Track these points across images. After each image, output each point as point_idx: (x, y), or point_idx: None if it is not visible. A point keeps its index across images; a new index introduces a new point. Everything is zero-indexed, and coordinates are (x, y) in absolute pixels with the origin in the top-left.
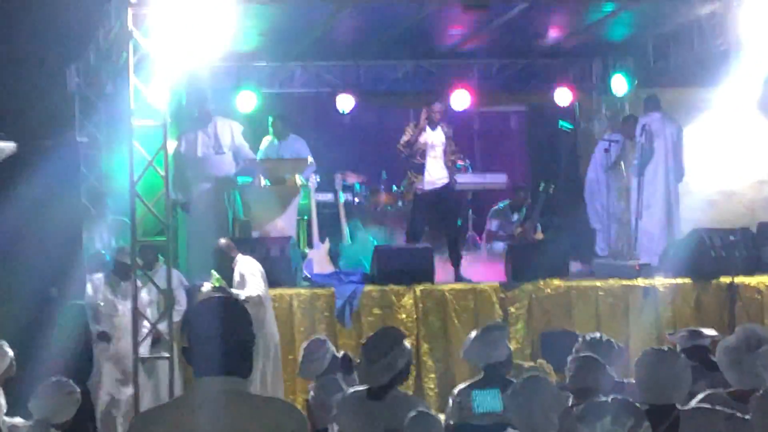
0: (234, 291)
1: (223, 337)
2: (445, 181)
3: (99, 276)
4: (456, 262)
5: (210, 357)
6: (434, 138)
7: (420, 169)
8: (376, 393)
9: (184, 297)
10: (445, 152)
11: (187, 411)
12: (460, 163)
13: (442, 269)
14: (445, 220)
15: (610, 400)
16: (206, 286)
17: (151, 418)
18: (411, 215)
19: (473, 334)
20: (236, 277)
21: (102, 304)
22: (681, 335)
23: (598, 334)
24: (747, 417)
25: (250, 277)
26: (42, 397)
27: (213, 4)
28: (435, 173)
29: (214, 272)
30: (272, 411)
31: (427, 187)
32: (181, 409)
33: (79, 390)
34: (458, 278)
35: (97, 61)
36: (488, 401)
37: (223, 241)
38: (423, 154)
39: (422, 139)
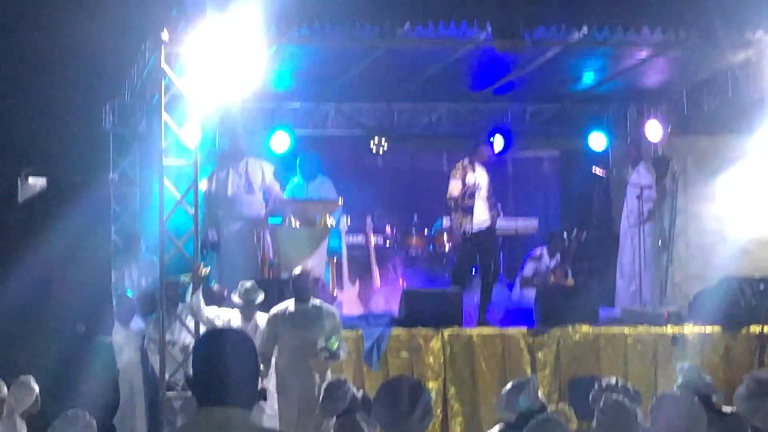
0: (342, 355)
1: (226, 367)
2: (488, 223)
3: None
4: (484, 305)
5: (213, 387)
6: (480, 179)
7: (469, 211)
8: None
9: None
10: (489, 194)
11: None
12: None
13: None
14: (483, 261)
15: None
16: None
17: None
18: (459, 256)
19: (505, 388)
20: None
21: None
22: (680, 386)
23: (614, 379)
24: None
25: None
26: (58, 429)
27: (246, 44)
28: (480, 215)
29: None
30: None
31: (475, 228)
32: None
33: (94, 421)
34: (481, 322)
35: (131, 100)
36: None
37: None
38: (472, 195)
39: (470, 180)
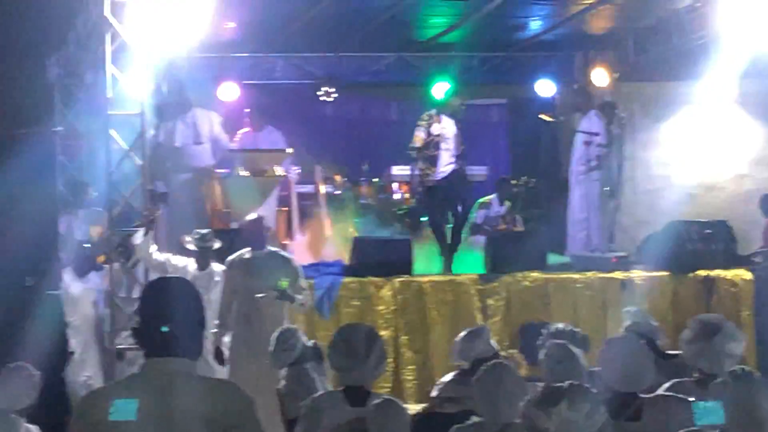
0: (299, 297)
1: (172, 318)
2: (453, 167)
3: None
4: (454, 251)
5: (159, 338)
6: (447, 131)
7: (433, 161)
8: (357, 398)
9: None
10: (456, 143)
11: (136, 391)
12: None
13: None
14: (452, 207)
15: (566, 385)
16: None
17: (100, 398)
18: (428, 207)
19: (459, 336)
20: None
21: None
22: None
23: (561, 325)
24: None
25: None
26: (0, 382)
27: None
28: (446, 166)
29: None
30: (220, 392)
31: (439, 177)
32: (130, 389)
33: (38, 373)
34: (450, 269)
35: (76, 51)
36: None
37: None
38: (437, 146)
39: (435, 130)
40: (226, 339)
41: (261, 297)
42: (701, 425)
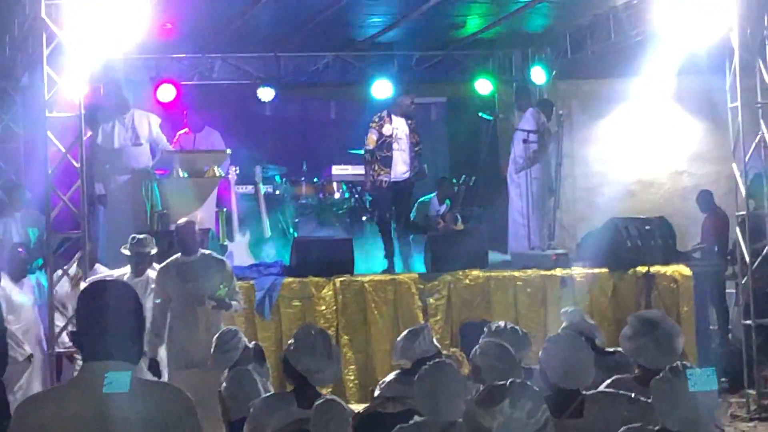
0: (234, 304)
1: (111, 320)
2: (407, 175)
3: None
4: (393, 254)
5: (98, 341)
6: (399, 130)
7: (387, 161)
8: (307, 400)
9: None
10: (410, 144)
11: (74, 395)
12: None
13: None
14: (400, 213)
15: (507, 383)
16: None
17: (38, 403)
18: (377, 208)
19: (400, 336)
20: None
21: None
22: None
23: (502, 323)
24: (649, 400)
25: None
26: None
27: None
28: (400, 167)
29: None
30: (160, 396)
31: (393, 178)
32: (68, 394)
33: None
34: (389, 270)
35: (12, 53)
36: None
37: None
38: (390, 146)
39: (387, 131)
40: (162, 350)
41: (200, 309)
42: (695, 390)
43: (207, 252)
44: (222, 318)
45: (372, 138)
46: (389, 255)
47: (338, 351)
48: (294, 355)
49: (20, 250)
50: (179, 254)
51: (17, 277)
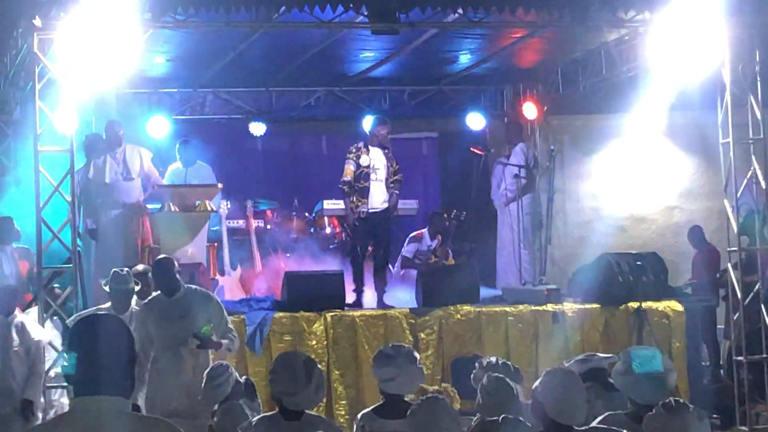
0: (225, 342)
1: (103, 355)
2: (386, 205)
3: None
4: (383, 288)
5: (90, 376)
6: (376, 161)
7: (364, 192)
8: (293, 414)
9: None
10: (387, 175)
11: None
12: None
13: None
14: (380, 245)
15: (500, 419)
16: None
17: None
18: (353, 239)
19: None
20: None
21: None
22: (576, 360)
23: (494, 358)
24: None
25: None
26: None
27: (120, 29)
28: (377, 197)
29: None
30: (151, 430)
31: (371, 209)
32: (61, 430)
33: None
34: (382, 305)
35: (5, 87)
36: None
37: (141, 267)
38: (367, 177)
39: (364, 162)
40: (141, 395)
41: (184, 349)
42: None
43: (193, 287)
44: (211, 359)
45: (350, 169)
46: (358, 290)
47: (321, 378)
48: (272, 375)
49: (9, 283)
50: (159, 292)
51: (7, 311)
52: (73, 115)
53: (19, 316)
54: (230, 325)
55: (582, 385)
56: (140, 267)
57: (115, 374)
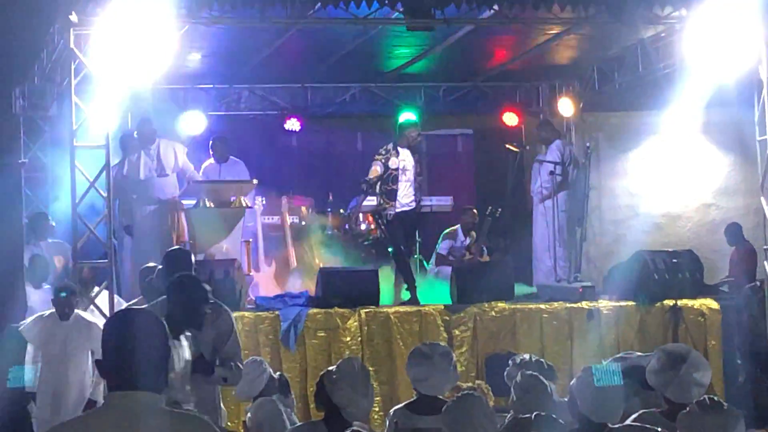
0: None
1: (136, 350)
2: (413, 205)
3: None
4: (413, 286)
5: (123, 371)
6: (406, 163)
7: (392, 195)
8: (339, 425)
9: None
10: (415, 175)
11: (99, 426)
12: None
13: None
14: (409, 243)
15: (533, 416)
16: None
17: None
18: (391, 239)
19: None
20: None
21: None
22: (615, 358)
23: (528, 356)
24: None
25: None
26: None
27: (156, 25)
28: (406, 197)
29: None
30: (187, 427)
31: (398, 210)
32: (93, 424)
33: None
34: (414, 302)
35: (41, 83)
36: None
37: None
38: (396, 179)
39: (393, 165)
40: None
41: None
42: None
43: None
44: (216, 393)
45: (376, 170)
46: (411, 286)
47: (373, 390)
48: (333, 385)
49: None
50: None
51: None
52: (109, 111)
53: (80, 314)
54: (237, 350)
55: (615, 381)
56: (151, 264)
57: (149, 369)
